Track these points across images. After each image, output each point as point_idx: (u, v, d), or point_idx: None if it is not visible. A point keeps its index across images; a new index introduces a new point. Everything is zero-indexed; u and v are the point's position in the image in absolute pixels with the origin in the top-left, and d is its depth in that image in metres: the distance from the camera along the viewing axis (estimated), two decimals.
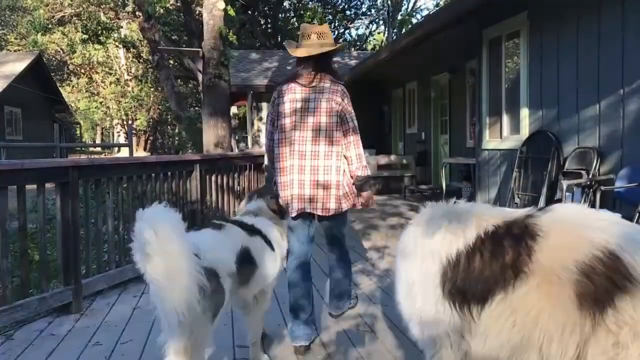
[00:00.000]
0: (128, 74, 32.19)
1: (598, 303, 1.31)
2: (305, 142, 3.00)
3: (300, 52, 3.05)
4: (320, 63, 3.05)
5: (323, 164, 2.99)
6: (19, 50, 26.81)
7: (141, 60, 24.00)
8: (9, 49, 28.37)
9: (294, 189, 2.99)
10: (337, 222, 3.17)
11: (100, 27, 16.36)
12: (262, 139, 13.71)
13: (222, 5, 7.98)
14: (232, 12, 9.18)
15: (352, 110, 3.08)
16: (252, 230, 2.56)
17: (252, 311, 2.69)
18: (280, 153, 3.05)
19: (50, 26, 18.92)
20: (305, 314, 2.97)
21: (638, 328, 1.23)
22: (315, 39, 3.07)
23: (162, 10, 18.93)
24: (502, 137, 6.46)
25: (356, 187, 3.07)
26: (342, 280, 3.32)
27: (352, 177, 3.05)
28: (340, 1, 27.15)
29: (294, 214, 3.00)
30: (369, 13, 28.47)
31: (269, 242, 2.63)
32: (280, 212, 2.97)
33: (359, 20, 28.62)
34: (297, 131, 3.01)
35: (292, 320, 2.99)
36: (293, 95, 3.03)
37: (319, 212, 3.02)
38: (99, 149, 38.84)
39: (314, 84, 3.02)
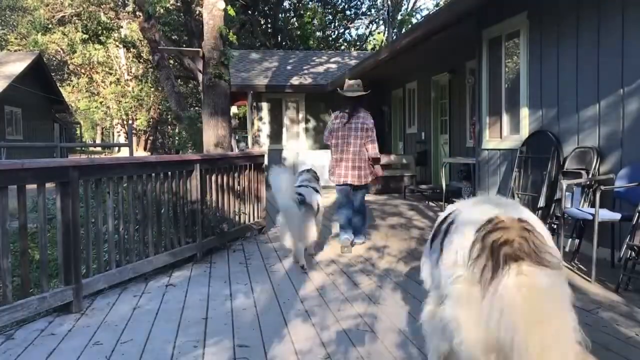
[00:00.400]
0: (128, 74, 32.20)
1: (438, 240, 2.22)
2: (348, 145, 5.34)
3: (347, 94, 5.48)
4: (357, 101, 5.48)
5: (357, 157, 5.33)
6: (19, 50, 26.81)
7: (141, 60, 24.00)
8: (9, 49, 28.36)
9: (341, 170, 5.36)
10: (361, 189, 5.51)
11: (100, 27, 16.36)
12: (262, 139, 13.74)
13: (222, 5, 7.97)
14: (232, 12, 9.17)
15: (373, 126, 5.43)
16: (314, 189, 5.14)
17: (315, 224, 4.92)
18: (334, 151, 5.44)
19: (50, 26, 18.93)
20: (346, 228, 5.41)
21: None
22: (356, 87, 5.54)
23: (162, 10, 18.96)
24: (502, 136, 6.47)
25: (372, 166, 5.46)
26: (358, 224, 5.53)
27: (370, 161, 5.41)
28: (340, 1, 27.13)
29: (340, 183, 5.42)
30: (369, 13, 28.47)
31: (318, 192, 5.19)
32: (317, 179, 5.44)
33: (359, 20, 28.62)
34: (344, 139, 5.36)
35: (340, 231, 5.49)
36: (343, 119, 5.41)
37: (355, 183, 5.37)
38: (99, 148, 38.85)
39: (353, 113, 5.40)
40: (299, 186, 4.94)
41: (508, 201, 2.28)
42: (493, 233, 1.91)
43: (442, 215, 2.44)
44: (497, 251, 1.84)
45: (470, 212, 2.13)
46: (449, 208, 2.44)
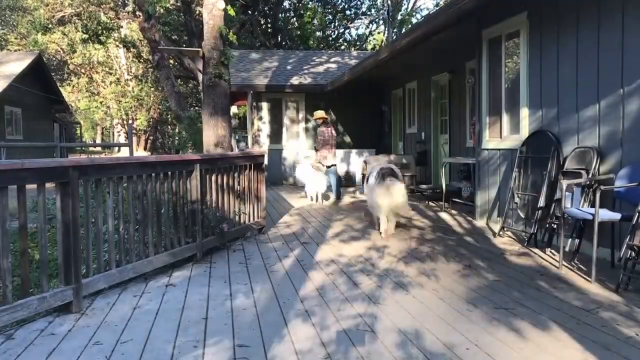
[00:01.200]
0: (128, 74, 32.21)
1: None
2: (331, 145, 9.58)
3: (321, 116, 9.72)
4: (326, 121, 9.82)
5: (334, 151, 9.65)
6: (19, 50, 26.81)
7: (141, 60, 24.00)
8: (9, 49, 28.36)
9: (331, 158, 9.50)
10: (334, 166, 9.62)
11: (100, 27, 16.36)
12: (262, 139, 13.75)
13: (222, 5, 7.97)
14: (232, 12, 9.17)
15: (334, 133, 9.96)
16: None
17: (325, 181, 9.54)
18: (325, 148, 9.43)
19: (50, 26, 18.93)
20: (334, 193, 9.60)
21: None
22: (323, 114, 9.74)
23: (162, 10, 18.96)
24: (502, 136, 6.47)
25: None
26: (337, 188, 9.59)
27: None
28: (340, 1, 27.13)
29: (330, 165, 9.45)
30: (369, 13, 28.48)
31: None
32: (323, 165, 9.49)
33: (359, 20, 28.63)
34: (330, 142, 9.52)
35: (333, 192, 9.66)
36: (329, 130, 9.59)
37: (335, 164, 9.61)
38: (99, 148, 38.86)
39: (331, 127, 9.79)
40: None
41: (390, 165, 6.56)
42: (382, 171, 6.19)
43: (368, 169, 6.90)
44: (384, 176, 6.12)
45: (375, 167, 6.44)
46: (369, 167, 6.96)
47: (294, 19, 25.07)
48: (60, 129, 22.00)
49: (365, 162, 8.76)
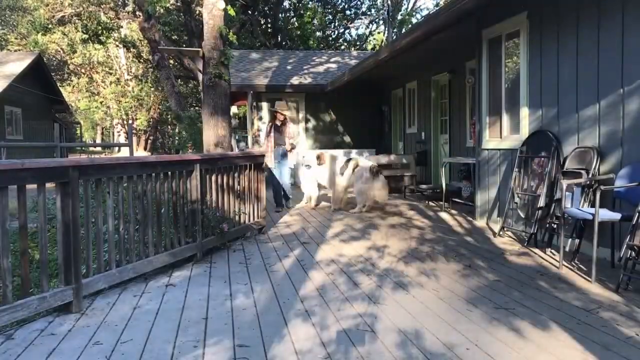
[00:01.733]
0: (128, 74, 32.23)
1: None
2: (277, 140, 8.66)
3: (283, 110, 8.78)
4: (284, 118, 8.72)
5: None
6: (19, 50, 26.81)
7: (141, 60, 24.01)
8: (9, 49, 28.37)
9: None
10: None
11: (100, 27, 16.36)
12: (262, 139, 13.72)
13: (222, 5, 7.98)
14: (232, 12, 9.18)
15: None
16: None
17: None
18: (268, 144, 8.66)
19: (50, 26, 18.93)
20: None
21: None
22: (285, 106, 9.21)
23: (162, 10, 18.96)
24: (502, 136, 6.47)
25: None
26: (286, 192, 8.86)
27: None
28: (340, 1, 27.13)
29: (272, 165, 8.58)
30: (369, 13, 28.47)
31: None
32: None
33: (359, 20, 28.62)
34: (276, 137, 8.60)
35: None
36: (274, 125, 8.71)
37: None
38: (99, 148, 38.88)
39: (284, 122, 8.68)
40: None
41: (360, 157, 8.84)
42: (358, 167, 8.03)
43: (343, 162, 8.30)
44: (377, 172, 7.97)
45: (349, 162, 8.25)
46: (350, 163, 8.18)
47: (294, 19, 25.06)
48: (60, 129, 22.00)
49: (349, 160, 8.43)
